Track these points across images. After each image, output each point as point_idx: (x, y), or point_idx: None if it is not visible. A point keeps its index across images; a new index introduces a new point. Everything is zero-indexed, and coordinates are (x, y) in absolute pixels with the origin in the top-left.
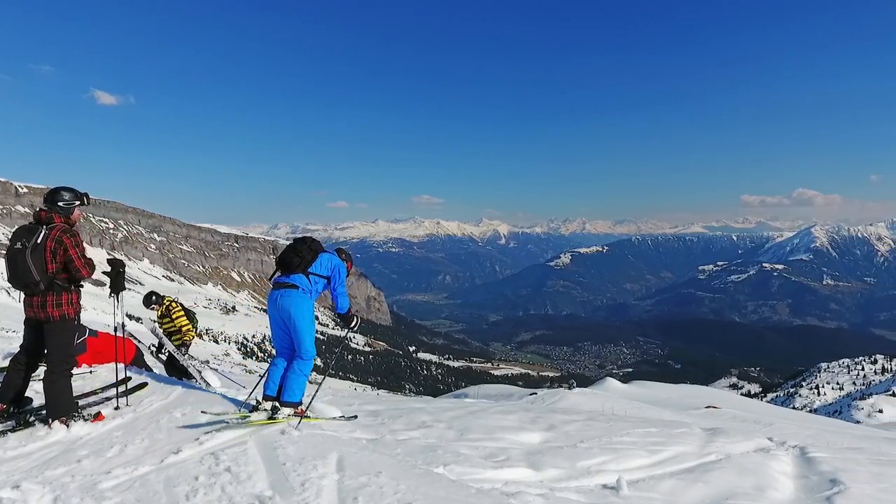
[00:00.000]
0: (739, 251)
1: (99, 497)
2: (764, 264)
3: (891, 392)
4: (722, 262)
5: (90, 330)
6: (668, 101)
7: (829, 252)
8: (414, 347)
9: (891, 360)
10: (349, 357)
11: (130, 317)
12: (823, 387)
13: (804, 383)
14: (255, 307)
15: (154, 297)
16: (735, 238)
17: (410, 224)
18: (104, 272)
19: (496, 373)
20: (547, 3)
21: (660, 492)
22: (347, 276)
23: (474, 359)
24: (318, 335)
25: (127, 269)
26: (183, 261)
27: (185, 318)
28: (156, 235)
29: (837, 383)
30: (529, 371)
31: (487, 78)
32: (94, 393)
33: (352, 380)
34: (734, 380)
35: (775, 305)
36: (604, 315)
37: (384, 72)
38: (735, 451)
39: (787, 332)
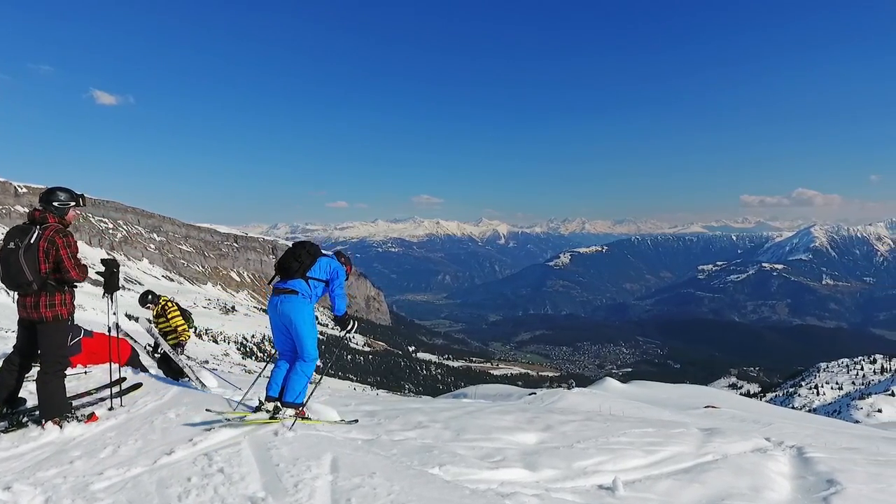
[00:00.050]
0: (739, 251)
1: (91, 498)
2: (763, 264)
3: (890, 392)
4: (721, 262)
5: (85, 330)
6: (667, 100)
7: (828, 252)
8: (413, 347)
9: (890, 360)
10: (348, 357)
11: (130, 317)
12: (823, 386)
13: (803, 383)
14: (255, 307)
15: (150, 297)
16: (734, 238)
17: (410, 224)
18: (98, 272)
19: (496, 373)
20: (546, 3)
21: (656, 492)
22: (347, 279)
23: (474, 359)
24: (319, 336)
25: (126, 268)
26: (182, 261)
27: (180, 317)
28: (155, 235)
29: (837, 383)
30: (529, 371)
31: (487, 78)
32: (88, 393)
33: (351, 380)
34: (733, 379)
35: (775, 305)
36: (603, 315)
37: (384, 72)
38: (732, 452)
39: (787, 331)
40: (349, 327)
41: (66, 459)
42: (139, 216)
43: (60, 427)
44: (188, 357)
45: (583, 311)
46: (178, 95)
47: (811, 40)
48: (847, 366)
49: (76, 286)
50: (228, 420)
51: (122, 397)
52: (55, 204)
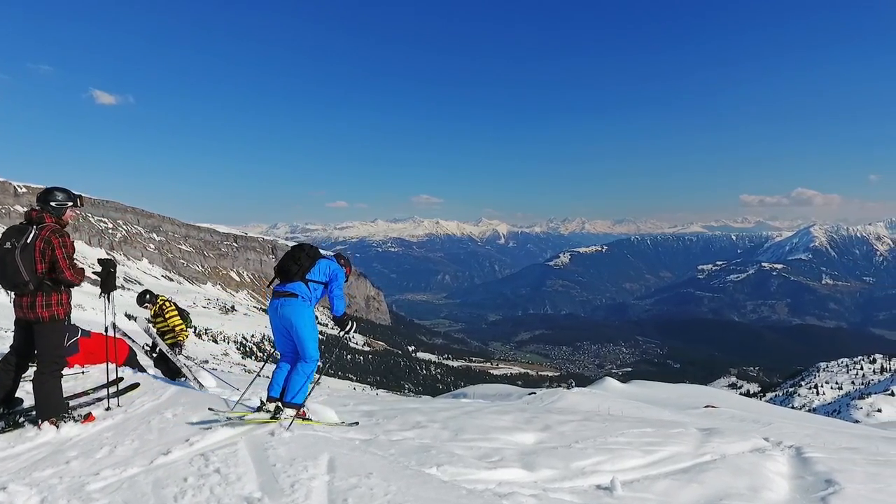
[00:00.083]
0: (738, 251)
1: (86, 499)
2: (763, 264)
3: (889, 391)
4: (721, 262)
5: (83, 330)
6: (667, 100)
7: (828, 252)
8: (413, 347)
9: (889, 360)
10: (348, 357)
11: (129, 317)
12: (822, 386)
13: (803, 383)
14: (255, 307)
15: (148, 296)
16: (734, 238)
17: (410, 224)
18: (94, 272)
19: (495, 372)
20: (546, 3)
21: (654, 492)
22: (346, 280)
23: (473, 358)
24: (319, 336)
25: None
26: (182, 260)
27: (178, 317)
28: (155, 235)
29: (836, 383)
30: (529, 371)
31: (487, 78)
32: (85, 393)
33: (351, 379)
34: (733, 379)
35: (774, 305)
36: (603, 315)
37: (384, 72)
38: (730, 452)
39: (786, 331)
40: (348, 328)
41: (62, 460)
42: (139, 216)
43: (57, 427)
44: (187, 357)
45: (582, 310)
46: (178, 95)
47: (811, 40)
48: (847, 365)
49: (73, 287)
50: (230, 419)
51: (120, 397)
52: (52, 204)
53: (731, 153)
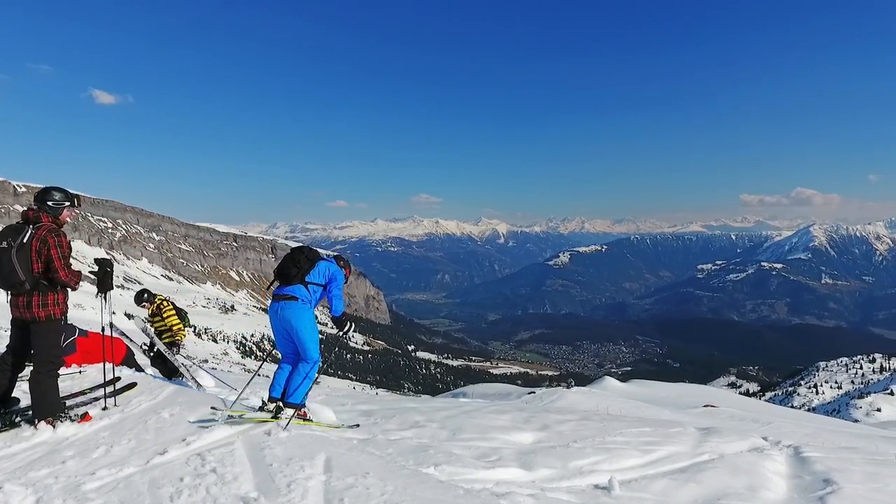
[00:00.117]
0: (738, 250)
1: (82, 499)
2: (762, 263)
3: (889, 391)
4: (721, 261)
5: (80, 330)
6: (667, 100)
7: (827, 251)
8: (413, 346)
9: (889, 359)
10: (348, 356)
11: (129, 316)
12: (822, 386)
13: (802, 382)
14: (254, 306)
15: (145, 296)
16: (734, 237)
17: (409, 223)
18: (91, 272)
19: (495, 372)
20: (545, 3)
21: (652, 492)
22: (346, 282)
23: (473, 358)
24: (320, 335)
25: (125, 268)
26: (181, 260)
27: (175, 316)
28: (154, 235)
29: (836, 382)
30: (528, 370)
31: (486, 77)
32: (82, 393)
33: (351, 379)
34: (733, 378)
35: (774, 304)
36: (603, 314)
37: (383, 71)
38: (729, 451)
39: (786, 330)
40: (346, 328)
41: (58, 459)
42: (138, 215)
43: (53, 427)
44: (187, 356)
45: (582, 310)
46: (178, 95)
47: (810, 40)
48: (846, 365)
49: (68, 289)
50: (231, 417)
51: (117, 397)
52: (49, 203)
53: (730, 153)
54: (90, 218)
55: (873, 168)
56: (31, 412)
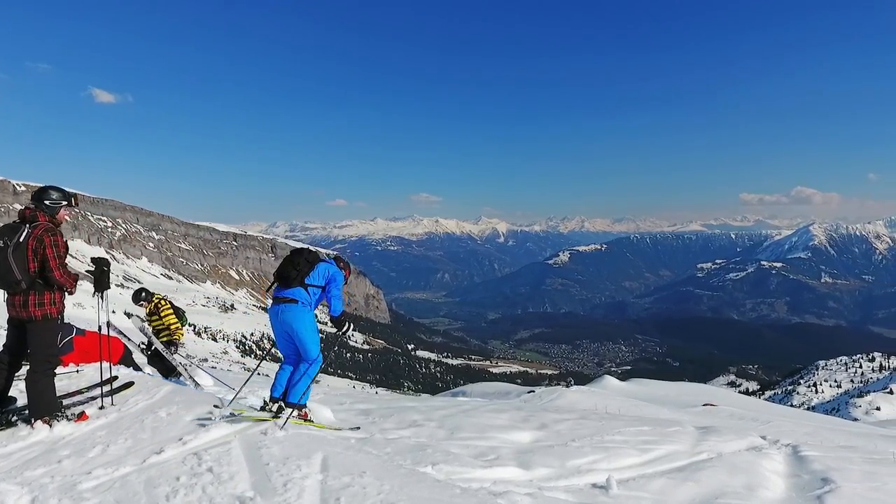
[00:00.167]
0: (738, 249)
1: (78, 498)
2: (762, 262)
3: (888, 390)
4: (720, 260)
5: (77, 329)
6: (667, 99)
7: (827, 250)
8: (413, 345)
9: (888, 358)
10: (348, 355)
11: (129, 315)
12: (821, 384)
13: (802, 381)
14: (254, 305)
15: (143, 295)
16: (734, 236)
17: (409, 222)
18: (88, 271)
19: (495, 371)
20: (545, 2)
21: (649, 491)
22: (345, 283)
23: (473, 357)
24: (320, 334)
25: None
26: (181, 259)
27: (173, 316)
28: (154, 234)
29: (835, 381)
30: (528, 369)
31: (486, 76)
32: (79, 392)
33: (350, 378)
34: (732, 377)
35: (773, 303)
36: (602, 313)
37: (383, 70)
38: (727, 450)
39: (786, 329)
40: (345, 329)
41: (54, 459)
42: (138, 214)
43: (50, 426)
44: (187, 355)
45: (582, 309)
46: (178, 94)
47: (810, 39)
48: (846, 364)
49: (62, 290)
50: (233, 415)
51: (114, 396)
52: (46, 202)
53: (730, 152)
54: (90, 217)
55: (873, 167)
56: (27, 411)
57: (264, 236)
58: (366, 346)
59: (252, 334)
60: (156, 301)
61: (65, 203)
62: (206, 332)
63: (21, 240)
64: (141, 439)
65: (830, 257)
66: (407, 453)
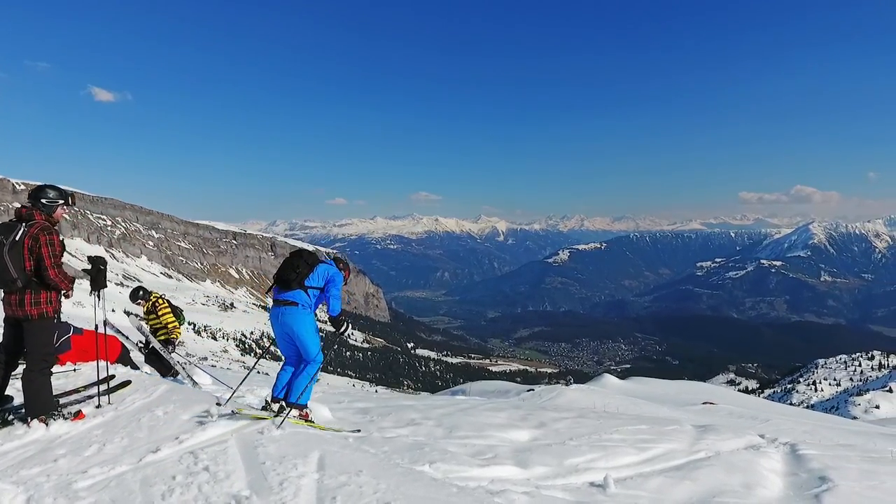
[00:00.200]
0: (737, 248)
1: (73, 497)
2: (762, 261)
3: (887, 388)
4: (720, 259)
5: (75, 328)
6: (667, 98)
7: (826, 249)
8: (412, 344)
9: (888, 357)
10: (348, 354)
11: (128, 313)
12: (821, 383)
13: (801, 379)
14: (254, 304)
15: (141, 293)
16: (733, 235)
17: (409, 221)
18: (84, 269)
19: (494, 369)
20: (544, 1)
21: (647, 490)
22: (345, 283)
23: (472, 355)
24: (320, 334)
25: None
26: (181, 257)
27: (171, 314)
28: (154, 232)
29: (834, 379)
30: (528, 367)
31: (485, 75)
32: (76, 391)
33: (350, 376)
34: (732, 376)
35: (773, 302)
36: (602, 312)
37: (383, 69)
38: (725, 449)
39: (785, 328)
40: (343, 328)
41: (50, 457)
42: (137, 213)
43: (46, 425)
44: (186, 354)
45: (581, 307)
46: (177, 92)
47: (810, 38)
48: (845, 362)
49: (56, 290)
50: (233, 412)
51: (111, 395)
52: (43, 201)
53: (730, 151)
54: (89, 216)
55: (873, 166)
56: (24, 410)
57: (264, 235)
58: (365, 345)
59: (252, 333)
60: (153, 300)
61: (61, 202)
62: (205, 330)
63: (17, 238)
64: (137, 438)
65: (830, 256)
66: (404, 452)
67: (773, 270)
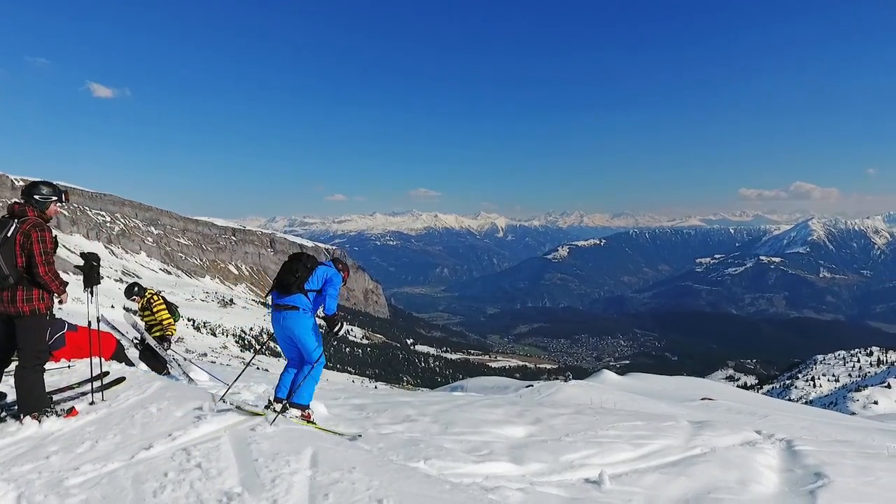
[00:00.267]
0: (737, 244)
1: (64, 494)
2: (761, 257)
3: (886, 384)
4: (719, 255)
5: (69, 324)
6: (666, 95)
7: (825, 245)
8: (412, 340)
9: (886, 353)
10: (347, 350)
11: (127, 310)
12: (819, 378)
13: (800, 375)
14: (253, 300)
15: (135, 289)
16: (732, 231)
17: (408, 217)
18: (77, 266)
19: (494, 365)
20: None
21: (642, 486)
22: (344, 284)
23: (472, 351)
24: (321, 332)
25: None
26: (180, 254)
27: (166, 311)
28: (153, 228)
29: (833, 375)
30: (527, 363)
31: (485, 73)
32: (69, 388)
33: (350, 372)
34: (731, 372)
35: (772, 298)
36: (601, 308)
37: (383, 67)
38: (721, 445)
39: (784, 324)
40: (337, 328)
41: (42, 454)
42: (136, 209)
43: (39, 422)
44: (186, 350)
45: (581, 303)
46: (176, 88)
47: (810, 36)
48: (844, 358)
49: (46, 289)
50: (230, 409)
51: (105, 392)
52: (36, 197)
53: (729, 147)
54: (88, 212)
55: (872, 162)
56: (16, 407)
57: (263, 231)
58: (365, 341)
59: (251, 329)
60: (148, 296)
61: (55, 198)
62: (205, 326)
63: (9, 235)
64: (130, 435)
65: (829, 252)
66: (399, 448)
67: (773, 267)
